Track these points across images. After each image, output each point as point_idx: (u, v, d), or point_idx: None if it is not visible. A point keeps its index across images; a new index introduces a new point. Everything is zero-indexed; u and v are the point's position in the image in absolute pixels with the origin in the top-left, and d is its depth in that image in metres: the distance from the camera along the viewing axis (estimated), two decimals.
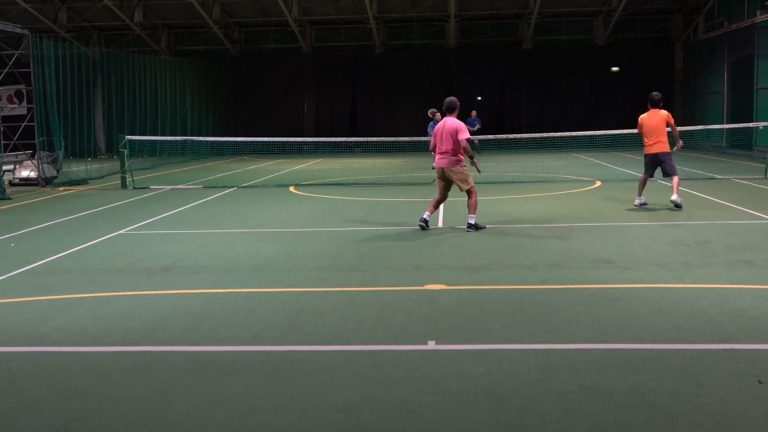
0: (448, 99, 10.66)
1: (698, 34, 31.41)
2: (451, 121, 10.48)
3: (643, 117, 12.42)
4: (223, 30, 34.34)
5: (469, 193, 10.52)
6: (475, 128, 26.21)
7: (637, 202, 12.63)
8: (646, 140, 12.38)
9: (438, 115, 24.85)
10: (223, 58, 35.41)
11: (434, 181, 10.97)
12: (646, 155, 12.55)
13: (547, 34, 33.95)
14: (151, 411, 4.36)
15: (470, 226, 10.49)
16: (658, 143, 12.24)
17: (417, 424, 4.09)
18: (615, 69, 27.42)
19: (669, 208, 12.21)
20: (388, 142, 25.31)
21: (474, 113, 27.56)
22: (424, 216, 10.67)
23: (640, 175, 12.95)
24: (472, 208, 10.51)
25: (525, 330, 5.74)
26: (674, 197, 12.04)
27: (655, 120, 12.22)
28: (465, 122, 26.02)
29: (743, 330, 5.61)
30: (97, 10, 33.07)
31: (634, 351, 5.21)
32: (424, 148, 27.62)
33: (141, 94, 27.92)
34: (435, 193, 10.99)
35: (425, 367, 4.99)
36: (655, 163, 12.42)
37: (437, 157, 10.49)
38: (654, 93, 12.37)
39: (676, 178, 12.24)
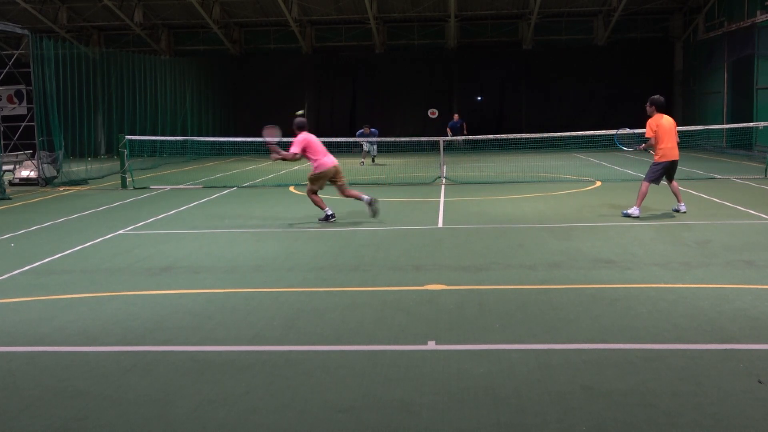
0: (298, 120, 12.46)
1: (698, 34, 31.41)
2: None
3: (657, 120, 11.34)
4: (223, 30, 34.33)
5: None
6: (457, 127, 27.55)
7: (636, 212, 11.35)
8: (663, 145, 11.26)
9: (435, 112, 25.30)
10: (223, 58, 35.39)
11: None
12: (663, 162, 11.33)
13: (547, 34, 33.92)
14: (151, 411, 4.36)
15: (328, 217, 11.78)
16: (675, 147, 11.38)
17: (417, 424, 4.10)
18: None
19: (671, 212, 12.19)
20: (388, 142, 25.30)
21: (456, 116, 28.78)
22: (329, 212, 11.71)
23: (644, 182, 11.55)
24: (323, 203, 11.84)
25: (525, 330, 5.74)
26: (684, 207, 11.63)
27: (670, 123, 11.41)
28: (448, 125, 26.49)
29: (743, 330, 5.61)
30: (97, 10, 33.05)
31: (634, 351, 5.21)
32: (424, 148, 27.66)
33: (141, 94, 27.91)
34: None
35: (425, 367, 4.99)
36: (670, 169, 11.49)
37: (330, 159, 11.85)
38: (659, 96, 11.59)
39: (676, 184, 11.78)
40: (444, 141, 18.84)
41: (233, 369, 5.04)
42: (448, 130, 27.97)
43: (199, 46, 35.79)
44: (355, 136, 24.98)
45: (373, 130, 25.12)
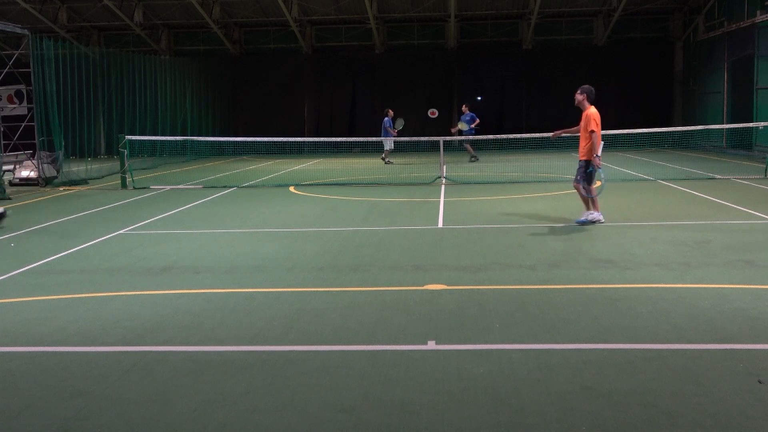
0: None
1: (698, 34, 31.40)
2: None
3: (595, 113, 10.65)
4: (223, 30, 34.32)
5: None
6: (474, 124, 24.80)
7: (599, 217, 10.75)
8: (600, 141, 10.60)
9: (435, 112, 24.83)
10: (223, 58, 35.38)
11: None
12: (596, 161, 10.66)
13: (547, 34, 33.91)
14: (151, 411, 4.36)
15: None
16: None
17: (417, 424, 4.10)
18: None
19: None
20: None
21: (465, 107, 25.60)
22: None
23: (578, 186, 10.84)
24: None
25: (525, 330, 5.74)
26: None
27: None
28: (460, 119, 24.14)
29: (743, 330, 5.61)
30: (97, 10, 33.04)
31: (634, 351, 5.21)
32: (424, 148, 27.64)
33: (141, 94, 27.90)
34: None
35: (425, 367, 4.99)
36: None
37: None
38: (591, 86, 10.81)
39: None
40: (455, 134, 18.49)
41: (233, 369, 5.03)
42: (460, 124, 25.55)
43: (199, 46, 35.78)
44: (357, 134, 24.56)
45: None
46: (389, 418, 4.18)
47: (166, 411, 4.36)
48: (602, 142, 10.66)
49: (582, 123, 10.75)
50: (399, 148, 28.83)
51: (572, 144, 26.11)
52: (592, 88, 10.84)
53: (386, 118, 24.39)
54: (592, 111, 10.65)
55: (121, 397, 4.57)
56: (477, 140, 23.05)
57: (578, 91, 10.80)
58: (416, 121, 33.40)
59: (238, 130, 34.61)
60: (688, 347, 5.28)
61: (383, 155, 24.44)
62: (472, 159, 24.25)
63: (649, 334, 5.56)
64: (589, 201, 10.85)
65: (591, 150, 10.60)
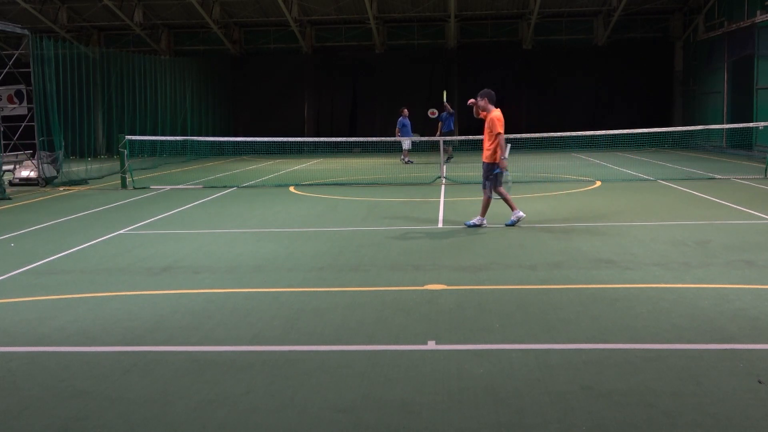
0: None
1: (698, 34, 31.39)
2: None
3: (500, 115, 10.60)
4: (223, 30, 34.32)
5: None
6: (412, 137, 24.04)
7: (482, 222, 10.81)
8: (504, 143, 10.60)
9: (435, 112, 24.82)
10: (223, 58, 35.38)
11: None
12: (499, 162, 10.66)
13: (547, 34, 33.91)
14: (151, 411, 4.36)
15: None
16: None
17: (417, 424, 4.10)
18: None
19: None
20: (388, 142, 25.28)
21: (405, 111, 24.61)
22: None
23: (485, 191, 10.90)
24: None
25: (525, 330, 5.74)
26: (486, 221, 10.80)
27: None
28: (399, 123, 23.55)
29: (743, 330, 5.61)
30: (97, 10, 33.04)
31: (634, 351, 5.21)
32: (424, 148, 27.65)
33: (141, 94, 27.90)
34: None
35: (425, 367, 4.99)
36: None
37: None
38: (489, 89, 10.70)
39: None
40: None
41: (233, 369, 5.03)
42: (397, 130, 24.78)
43: (199, 46, 35.78)
44: (357, 134, 24.52)
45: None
46: (389, 418, 4.18)
47: (166, 411, 4.36)
48: (508, 145, 10.59)
49: (486, 126, 10.67)
50: (399, 148, 28.84)
51: (572, 144, 26.07)
52: (492, 92, 10.78)
53: (401, 118, 24.23)
54: (496, 114, 10.60)
55: (121, 397, 4.57)
56: (477, 140, 23.08)
57: (479, 98, 10.69)
58: (416, 122, 33.40)
59: (238, 130, 34.60)
60: (688, 347, 5.28)
61: (402, 156, 24.30)
62: (450, 158, 24.17)
63: (649, 334, 5.56)
64: (509, 201, 10.85)
65: (495, 152, 10.58)
